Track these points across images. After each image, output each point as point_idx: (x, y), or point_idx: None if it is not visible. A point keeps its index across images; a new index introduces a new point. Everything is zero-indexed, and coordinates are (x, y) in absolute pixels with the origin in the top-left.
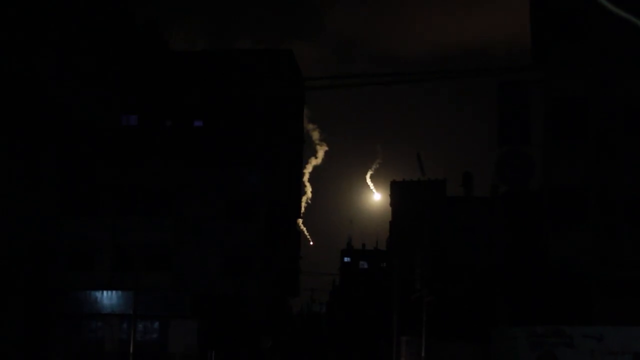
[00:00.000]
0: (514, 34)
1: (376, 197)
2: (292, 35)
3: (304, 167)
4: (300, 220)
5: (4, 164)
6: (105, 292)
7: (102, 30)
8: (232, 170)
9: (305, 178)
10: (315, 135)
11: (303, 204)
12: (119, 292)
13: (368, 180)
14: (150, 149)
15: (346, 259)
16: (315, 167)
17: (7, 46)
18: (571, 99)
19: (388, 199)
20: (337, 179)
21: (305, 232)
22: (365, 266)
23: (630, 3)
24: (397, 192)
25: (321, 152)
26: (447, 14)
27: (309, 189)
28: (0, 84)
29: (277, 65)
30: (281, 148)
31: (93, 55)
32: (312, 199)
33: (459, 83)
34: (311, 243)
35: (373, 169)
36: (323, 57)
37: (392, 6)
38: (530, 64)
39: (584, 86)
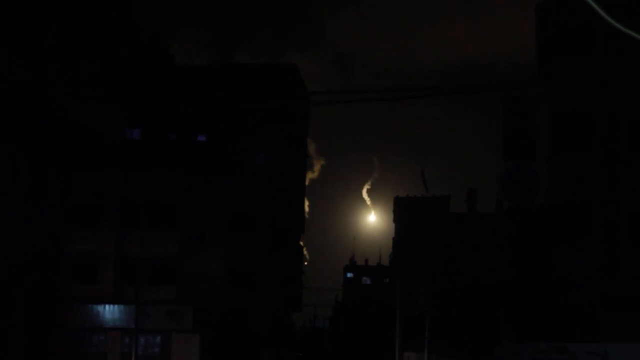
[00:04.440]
0: (519, 48)
1: (372, 218)
2: (292, 47)
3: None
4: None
5: (7, 175)
6: (107, 306)
7: (107, 42)
8: (236, 182)
9: None
10: (312, 148)
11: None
12: (121, 306)
13: (365, 196)
14: (154, 162)
15: (349, 275)
16: (312, 181)
17: (11, 57)
18: (575, 114)
19: (387, 215)
20: (336, 193)
21: (304, 249)
22: (368, 282)
23: (634, 17)
24: (401, 208)
25: (318, 165)
26: (450, 28)
27: (306, 204)
28: (4, 95)
29: (282, 80)
30: (285, 162)
31: (97, 68)
32: (310, 213)
33: (463, 97)
34: (305, 263)
35: (370, 183)
36: (323, 70)
37: (395, 20)
38: (535, 79)
39: (588, 101)
